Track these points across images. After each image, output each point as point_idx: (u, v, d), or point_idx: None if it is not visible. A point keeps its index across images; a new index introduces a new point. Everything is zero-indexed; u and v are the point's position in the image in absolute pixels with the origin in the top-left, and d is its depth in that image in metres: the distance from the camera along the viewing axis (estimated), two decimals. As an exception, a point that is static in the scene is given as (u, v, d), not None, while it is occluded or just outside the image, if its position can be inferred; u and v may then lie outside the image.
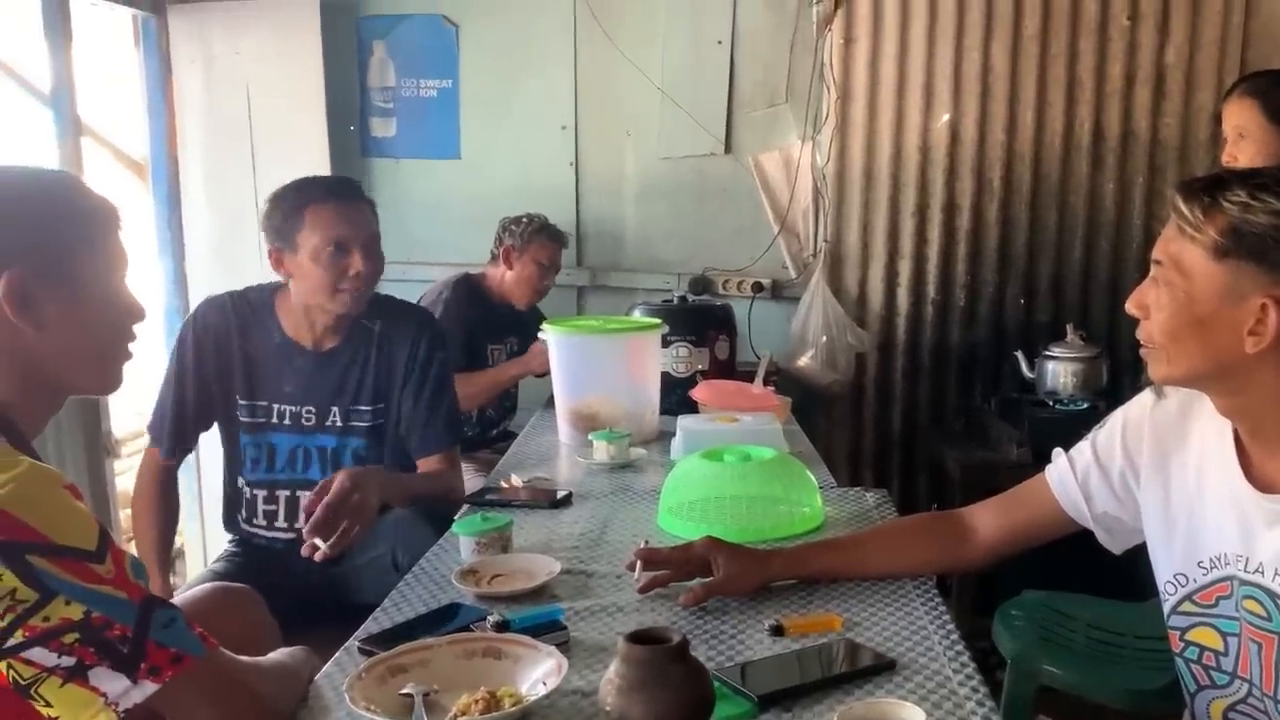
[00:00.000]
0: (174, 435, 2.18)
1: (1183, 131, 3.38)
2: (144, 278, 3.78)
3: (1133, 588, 1.87)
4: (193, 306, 3.66)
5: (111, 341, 1.22)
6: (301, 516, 1.80)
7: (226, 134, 3.69)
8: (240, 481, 2.18)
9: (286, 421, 2.14)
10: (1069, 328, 3.17)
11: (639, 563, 1.50)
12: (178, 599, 1.60)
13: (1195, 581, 1.32)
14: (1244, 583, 1.25)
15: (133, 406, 4.04)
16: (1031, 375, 3.18)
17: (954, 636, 1.33)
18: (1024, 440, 2.97)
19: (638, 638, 1.01)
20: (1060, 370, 3.12)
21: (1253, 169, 1.19)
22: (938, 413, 3.62)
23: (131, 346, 1.25)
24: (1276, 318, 1.13)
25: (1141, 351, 1.27)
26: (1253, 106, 2.44)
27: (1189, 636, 1.34)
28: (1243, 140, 2.44)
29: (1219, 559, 1.29)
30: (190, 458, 2.36)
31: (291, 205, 2.05)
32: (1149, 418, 1.38)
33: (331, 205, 2.04)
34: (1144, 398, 1.41)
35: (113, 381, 1.25)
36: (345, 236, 2.03)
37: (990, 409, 3.33)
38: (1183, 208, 1.18)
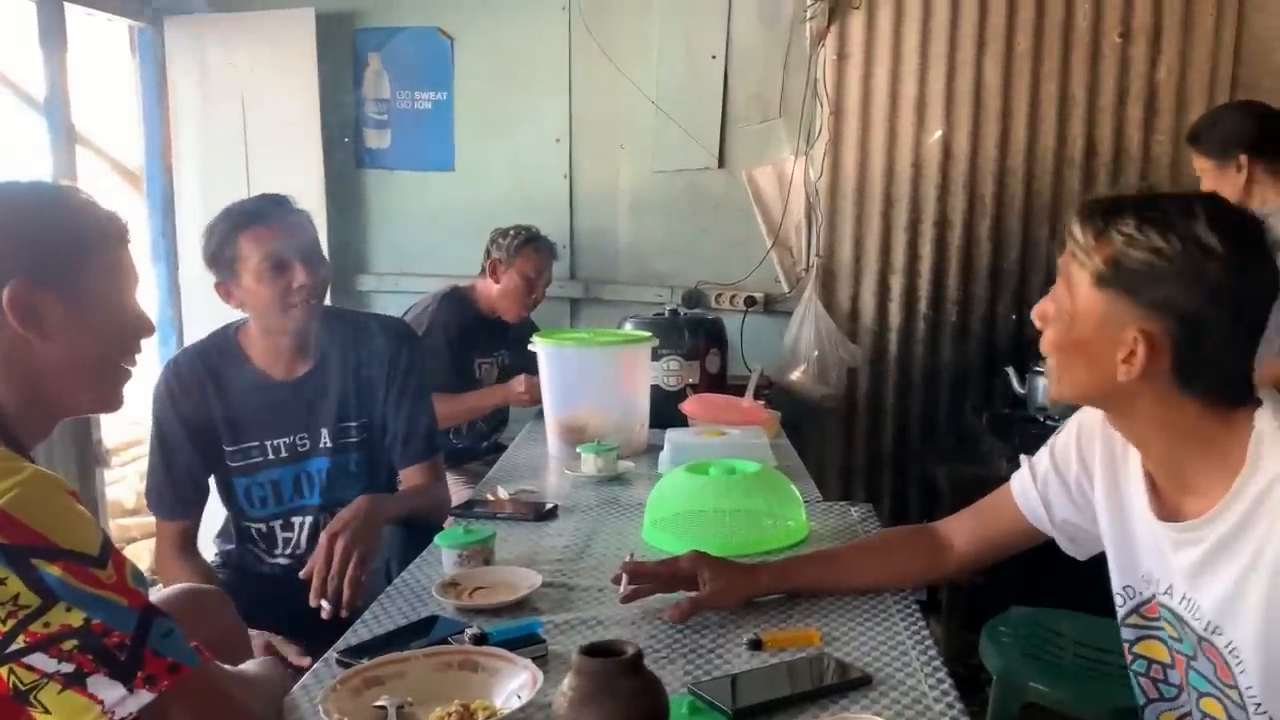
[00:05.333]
0: (175, 498, 2.10)
1: (1174, 148, 3.39)
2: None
3: (1119, 605, 1.87)
4: (185, 313, 3.74)
5: (115, 356, 1.22)
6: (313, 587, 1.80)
7: (221, 144, 3.70)
8: (244, 522, 2.16)
9: (283, 454, 2.12)
10: (1060, 344, 3.17)
11: (624, 575, 1.50)
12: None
13: (1141, 594, 1.32)
14: (1162, 605, 1.27)
15: (128, 416, 4.05)
16: (1023, 391, 3.17)
17: (932, 653, 1.32)
18: (1014, 455, 2.96)
19: (593, 650, 1.01)
20: (1051, 386, 3.11)
21: (1154, 194, 1.19)
22: (929, 428, 3.62)
23: (135, 365, 1.25)
24: (1144, 351, 1.14)
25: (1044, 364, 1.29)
26: (1196, 153, 2.51)
27: (1137, 649, 1.34)
28: (1204, 181, 2.50)
29: (1148, 576, 1.30)
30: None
31: (224, 234, 2.02)
32: (1102, 424, 1.37)
33: (261, 225, 2.02)
34: None
35: (114, 399, 1.25)
36: (281, 250, 2.00)
37: (981, 424, 3.32)
38: (1076, 232, 1.18)
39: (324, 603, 1.77)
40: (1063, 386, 1.25)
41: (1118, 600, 1.36)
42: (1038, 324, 1.26)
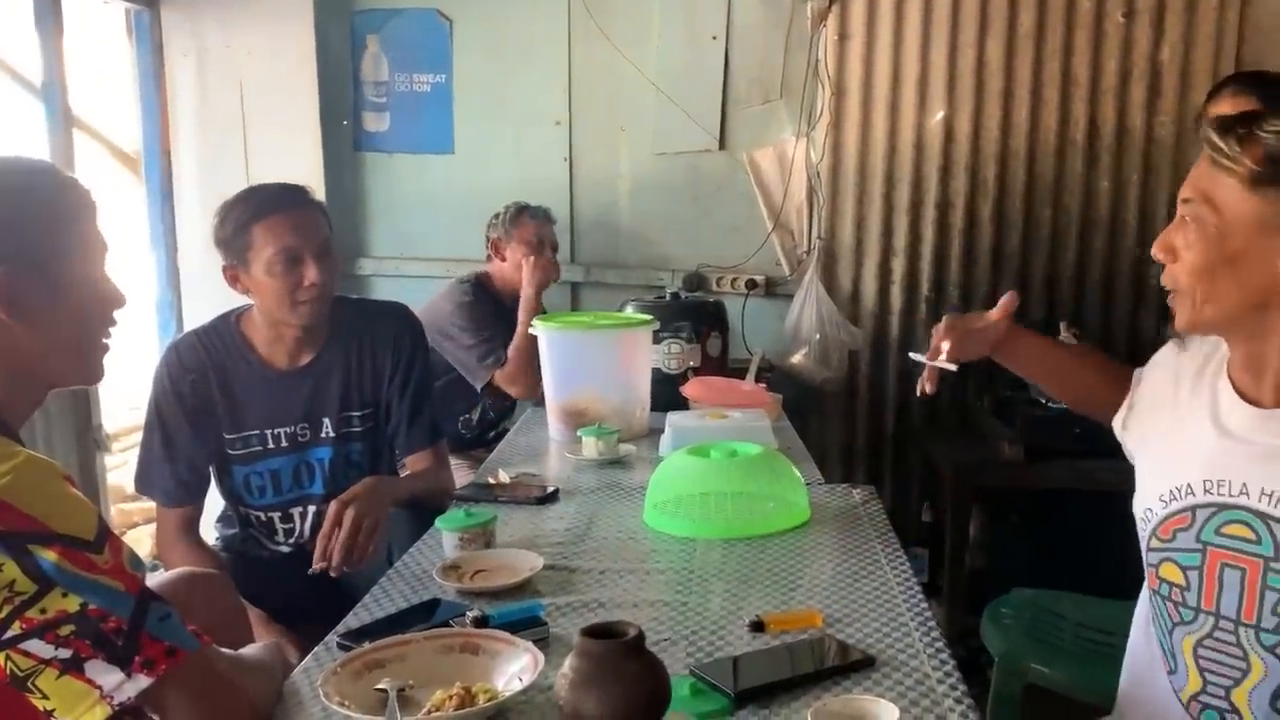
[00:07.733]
0: (177, 485, 2.07)
1: (1177, 129, 3.36)
2: (136, 270, 3.78)
3: (1122, 585, 1.86)
4: (184, 299, 3.73)
5: (93, 331, 1.22)
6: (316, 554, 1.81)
7: (219, 127, 3.68)
8: (243, 509, 2.15)
9: (284, 444, 2.10)
10: (1062, 326, 3.15)
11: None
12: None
13: (1157, 515, 1.32)
14: (1224, 507, 1.23)
15: (126, 402, 4.04)
16: (1025, 373, 3.16)
17: (935, 634, 1.32)
18: (1017, 439, 2.96)
19: (594, 631, 1.00)
20: (1053, 368, 3.09)
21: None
22: (931, 410, 3.60)
23: (111, 337, 1.25)
24: None
25: (1169, 299, 1.26)
26: (1251, 102, 2.38)
27: (1162, 573, 1.33)
28: None
29: (1179, 489, 1.28)
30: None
31: (239, 221, 1.98)
32: (1174, 358, 1.39)
33: (280, 216, 1.97)
34: (1174, 343, 1.42)
35: (95, 372, 1.25)
36: (296, 246, 1.97)
37: (984, 407, 3.31)
38: (1218, 140, 1.16)
39: (325, 564, 1.77)
40: (1202, 312, 1.21)
41: (1140, 526, 1.36)
42: (1162, 258, 1.24)
